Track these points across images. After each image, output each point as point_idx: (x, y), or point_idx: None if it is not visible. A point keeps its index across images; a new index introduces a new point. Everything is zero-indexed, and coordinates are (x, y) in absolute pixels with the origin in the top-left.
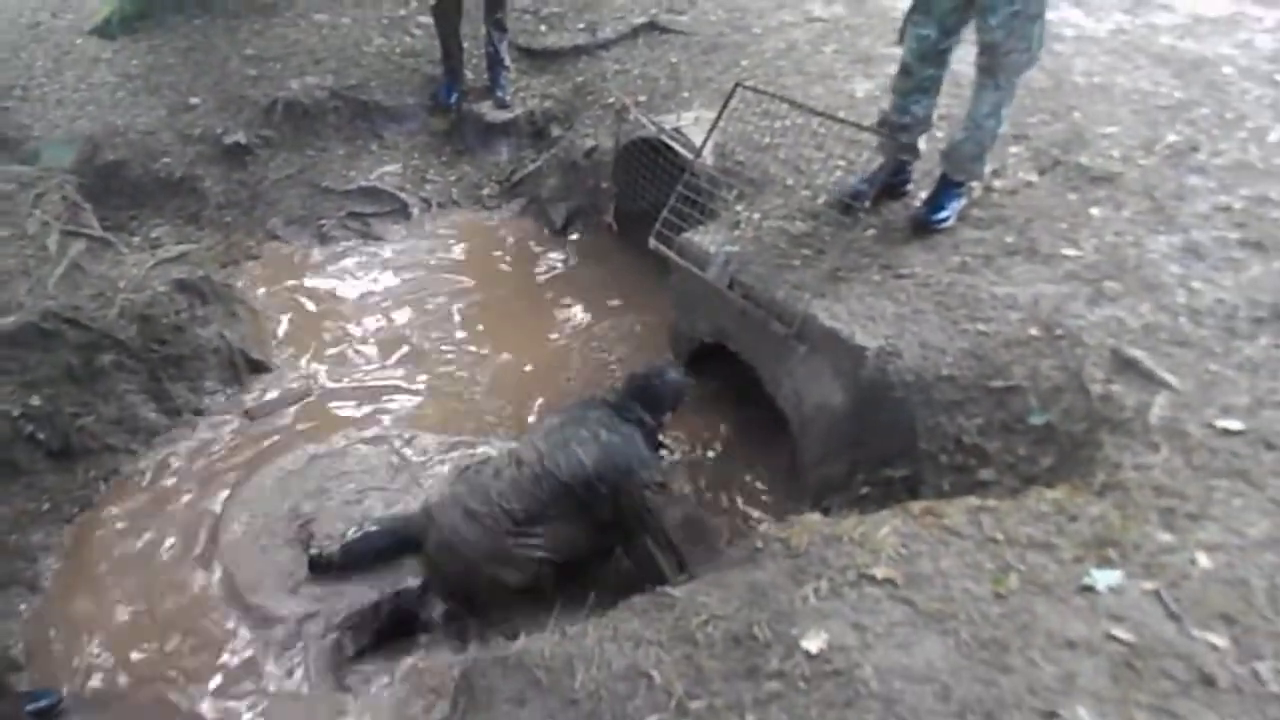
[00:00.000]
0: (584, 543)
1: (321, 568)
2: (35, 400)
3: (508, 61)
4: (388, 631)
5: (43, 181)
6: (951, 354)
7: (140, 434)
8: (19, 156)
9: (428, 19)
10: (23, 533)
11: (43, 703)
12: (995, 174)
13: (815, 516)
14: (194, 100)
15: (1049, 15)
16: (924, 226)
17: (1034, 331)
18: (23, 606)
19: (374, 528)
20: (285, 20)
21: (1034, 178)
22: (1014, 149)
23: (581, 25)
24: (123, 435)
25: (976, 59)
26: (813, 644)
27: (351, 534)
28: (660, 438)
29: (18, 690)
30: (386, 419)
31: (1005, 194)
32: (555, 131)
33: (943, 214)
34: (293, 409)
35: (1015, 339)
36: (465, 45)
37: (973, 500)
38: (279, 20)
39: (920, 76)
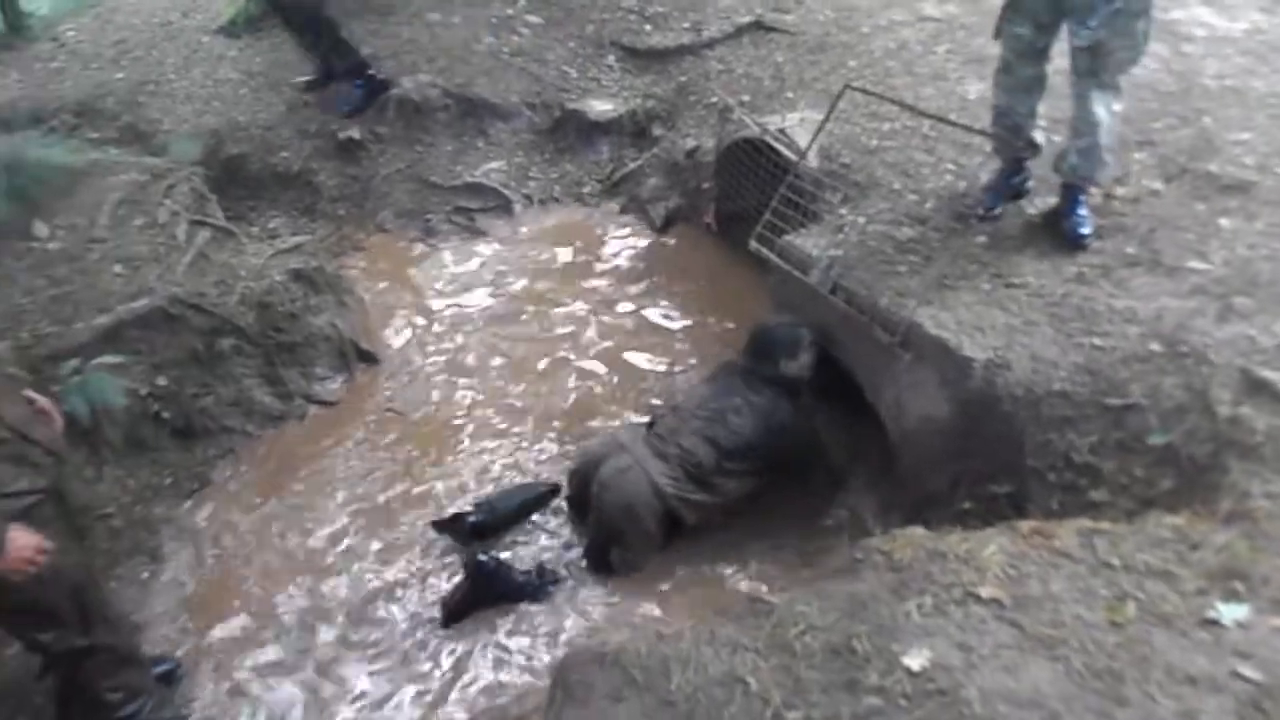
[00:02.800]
0: (755, 490)
1: (462, 533)
2: (162, 380)
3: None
4: (472, 599)
5: (172, 173)
6: (1064, 368)
7: (255, 416)
8: (150, 149)
9: (536, 18)
10: (146, 505)
11: (162, 668)
12: (1117, 181)
13: (919, 530)
14: (311, 97)
15: (1176, 14)
16: (1076, 244)
17: (1155, 347)
18: (145, 575)
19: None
20: (400, 19)
21: (1159, 185)
22: (1138, 155)
23: (686, 25)
24: (239, 417)
25: (1073, 61)
26: (915, 661)
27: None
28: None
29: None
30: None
31: (1127, 202)
32: (657, 131)
33: (1088, 228)
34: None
35: (1135, 355)
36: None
37: (1085, 522)
38: (394, 19)
39: (1021, 75)
